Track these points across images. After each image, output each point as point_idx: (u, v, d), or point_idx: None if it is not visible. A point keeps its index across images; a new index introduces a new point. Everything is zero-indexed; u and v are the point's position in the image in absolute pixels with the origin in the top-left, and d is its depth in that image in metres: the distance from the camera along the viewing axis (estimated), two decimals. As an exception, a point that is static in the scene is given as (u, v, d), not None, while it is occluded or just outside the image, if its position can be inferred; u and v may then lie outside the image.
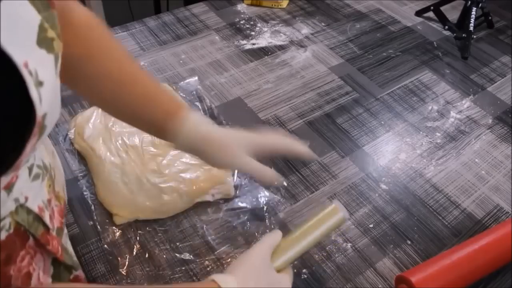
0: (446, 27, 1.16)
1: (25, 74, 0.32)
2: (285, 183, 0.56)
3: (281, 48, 1.07)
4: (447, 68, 1.05)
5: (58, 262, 0.52)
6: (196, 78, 0.95)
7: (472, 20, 1.10)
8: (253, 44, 1.07)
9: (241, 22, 1.13)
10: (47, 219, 0.47)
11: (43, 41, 0.36)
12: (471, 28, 1.09)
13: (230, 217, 0.72)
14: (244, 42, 1.07)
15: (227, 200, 0.74)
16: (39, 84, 0.34)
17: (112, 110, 0.60)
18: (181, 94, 0.91)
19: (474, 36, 1.11)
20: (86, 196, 0.72)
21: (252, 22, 1.13)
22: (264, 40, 1.08)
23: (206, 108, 0.89)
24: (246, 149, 0.57)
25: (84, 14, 0.56)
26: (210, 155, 0.57)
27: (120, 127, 0.80)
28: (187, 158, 0.76)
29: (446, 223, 0.74)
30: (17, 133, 0.34)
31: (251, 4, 1.19)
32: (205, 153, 0.57)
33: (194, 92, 0.92)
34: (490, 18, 1.17)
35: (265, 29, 1.12)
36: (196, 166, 0.75)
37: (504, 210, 0.76)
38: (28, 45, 0.34)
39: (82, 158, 0.78)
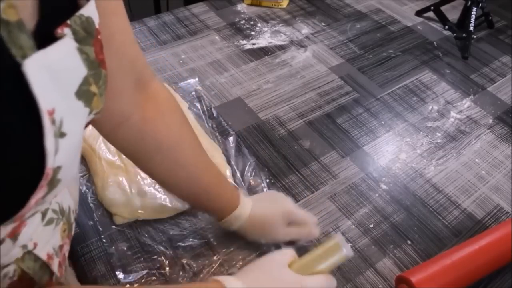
0: (446, 27, 1.16)
1: (45, 121, 0.30)
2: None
3: (281, 48, 1.07)
4: (447, 68, 1.05)
5: None
6: (196, 79, 0.95)
7: (472, 20, 1.10)
8: (253, 44, 1.07)
9: (241, 22, 1.13)
10: (55, 267, 0.45)
11: (84, 94, 0.35)
12: (471, 28, 1.09)
13: (230, 217, 0.72)
14: (244, 42, 1.07)
15: (227, 200, 0.74)
16: (61, 135, 0.32)
17: (175, 192, 0.64)
18: (181, 94, 0.91)
19: (474, 36, 1.11)
20: (86, 196, 0.72)
21: (252, 22, 1.13)
22: (264, 40, 1.08)
23: (206, 108, 0.89)
24: (283, 222, 0.65)
25: (161, 90, 0.57)
26: (252, 234, 0.66)
27: (120, 127, 0.80)
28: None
29: (446, 223, 0.74)
30: (21, 184, 0.32)
31: (251, 4, 1.19)
32: (249, 233, 0.66)
33: (194, 93, 0.92)
34: (490, 18, 1.17)
35: (265, 29, 1.12)
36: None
37: (504, 210, 0.76)
38: (63, 94, 0.33)
39: (82, 158, 0.78)
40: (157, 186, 0.72)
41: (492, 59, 1.09)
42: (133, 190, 0.71)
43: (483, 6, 1.13)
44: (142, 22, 1.11)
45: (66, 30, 0.33)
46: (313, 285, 0.50)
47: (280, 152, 0.83)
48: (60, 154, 0.33)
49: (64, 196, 0.48)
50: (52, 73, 0.31)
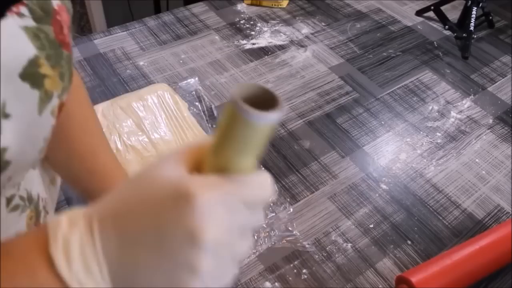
0: (447, 26, 1.16)
1: None
2: None
3: (281, 48, 1.06)
4: (448, 68, 1.05)
5: None
6: (196, 78, 0.95)
7: (473, 20, 1.10)
8: (253, 44, 1.07)
9: (241, 22, 1.13)
10: None
11: (30, 76, 0.34)
12: (472, 28, 1.09)
13: (230, 217, 0.72)
14: (244, 42, 1.07)
15: (227, 200, 0.74)
16: (5, 116, 0.32)
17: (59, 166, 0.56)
18: (181, 94, 0.90)
19: (475, 36, 1.11)
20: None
21: (252, 22, 1.13)
22: (264, 40, 1.08)
23: (205, 108, 0.89)
24: None
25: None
26: None
27: (120, 127, 0.80)
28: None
29: (447, 223, 0.74)
30: None
31: (251, 4, 1.19)
32: None
33: (194, 92, 0.92)
34: (490, 17, 1.17)
35: (265, 29, 1.11)
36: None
37: (505, 210, 0.76)
38: (5, 75, 0.33)
39: (81, 158, 0.78)
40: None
41: (493, 59, 1.08)
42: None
43: (483, 6, 1.13)
44: (142, 22, 1.11)
45: (23, 9, 0.33)
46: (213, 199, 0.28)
47: (280, 152, 0.83)
48: (5, 135, 0.32)
49: (33, 183, 0.47)
50: None
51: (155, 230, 0.28)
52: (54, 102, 0.38)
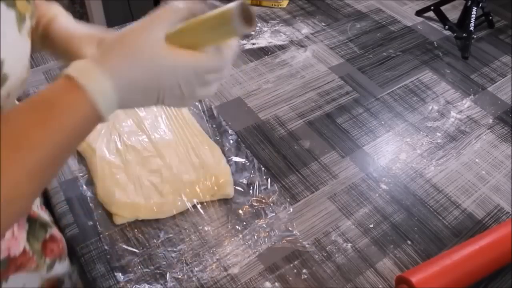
0: (447, 26, 1.16)
1: None
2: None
3: (281, 48, 1.07)
4: (448, 68, 1.05)
5: (33, 219, 0.55)
6: (196, 78, 0.95)
7: (473, 20, 1.10)
8: (253, 44, 1.07)
9: (241, 22, 1.13)
10: None
11: None
12: (472, 28, 1.09)
13: (229, 217, 0.72)
14: (244, 42, 1.07)
15: (226, 200, 0.74)
16: None
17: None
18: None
19: (475, 36, 1.11)
20: (86, 196, 0.72)
21: (252, 22, 1.13)
22: (264, 40, 1.08)
23: (205, 108, 0.89)
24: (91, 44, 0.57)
25: None
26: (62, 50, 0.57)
27: (120, 126, 0.80)
28: (187, 159, 0.76)
29: (447, 223, 0.74)
30: None
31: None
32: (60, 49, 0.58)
33: (194, 92, 0.92)
34: (490, 17, 1.17)
35: (265, 28, 1.11)
36: (196, 166, 0.75)
37: (505, 210, 0.76)
38: None
39: (82, 158, 0.78)
40: (157, 186, 0.72)
41: (493, 59, 1.08)
42: (133, 190, 0.71)
43: (483, 6, 1.13)
44: (142, 22, 1.11)
45: None
46: (182, 63, 0.43)
47: (280, 152, 0.83)
48: None
49: None
50: None
51: (153, 81, 0.43)
52: (28, 24, 0.44)
